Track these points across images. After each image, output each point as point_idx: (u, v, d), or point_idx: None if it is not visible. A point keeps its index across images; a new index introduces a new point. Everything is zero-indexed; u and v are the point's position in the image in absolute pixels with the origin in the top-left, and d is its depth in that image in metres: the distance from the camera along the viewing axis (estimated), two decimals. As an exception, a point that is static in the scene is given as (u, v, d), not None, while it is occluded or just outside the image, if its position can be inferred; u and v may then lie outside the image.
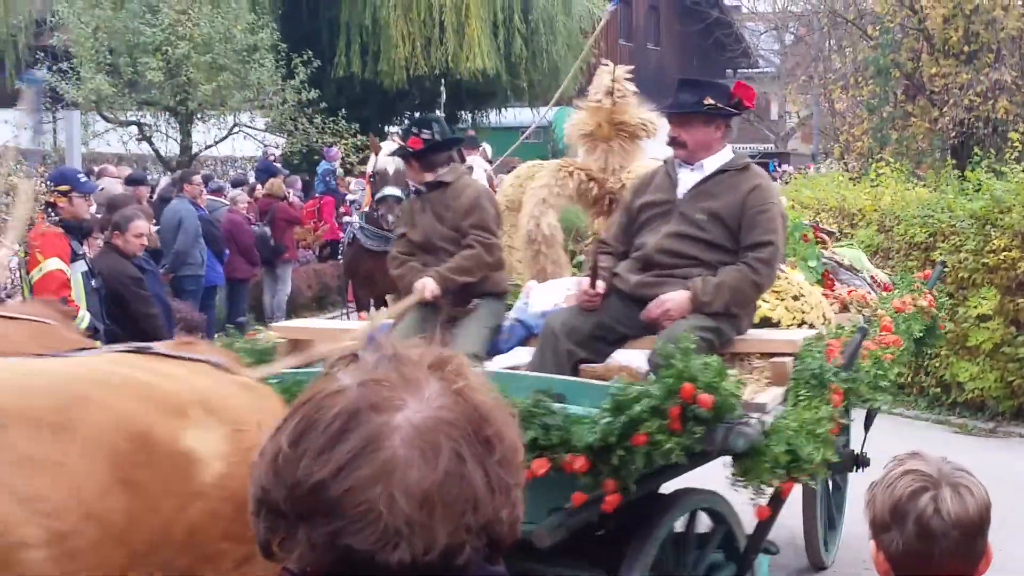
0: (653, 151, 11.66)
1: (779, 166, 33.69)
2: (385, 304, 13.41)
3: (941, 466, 2.66)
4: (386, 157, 12.18)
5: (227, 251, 15.13)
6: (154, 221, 12.19)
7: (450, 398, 1.52)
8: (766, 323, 6.08)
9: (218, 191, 16.71)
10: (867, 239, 13.02)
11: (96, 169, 17.51)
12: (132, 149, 24.10)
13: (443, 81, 25.51)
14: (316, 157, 23.40)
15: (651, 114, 6.89)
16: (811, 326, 6.11)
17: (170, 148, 24.00)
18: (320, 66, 23.81)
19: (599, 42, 34.75)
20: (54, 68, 22.81)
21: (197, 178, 15.47)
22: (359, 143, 23.23)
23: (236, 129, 23.79)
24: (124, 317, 8.94)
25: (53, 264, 8.19)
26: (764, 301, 6.10)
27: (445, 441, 1.48)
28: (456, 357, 1.60)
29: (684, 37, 44.77)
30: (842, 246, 7.66)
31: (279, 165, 22.76)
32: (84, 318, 8.08)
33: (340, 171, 22.71)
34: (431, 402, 1.50)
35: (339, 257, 17.99)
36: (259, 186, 19.24)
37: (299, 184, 21.08)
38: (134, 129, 23.78)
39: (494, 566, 1.57)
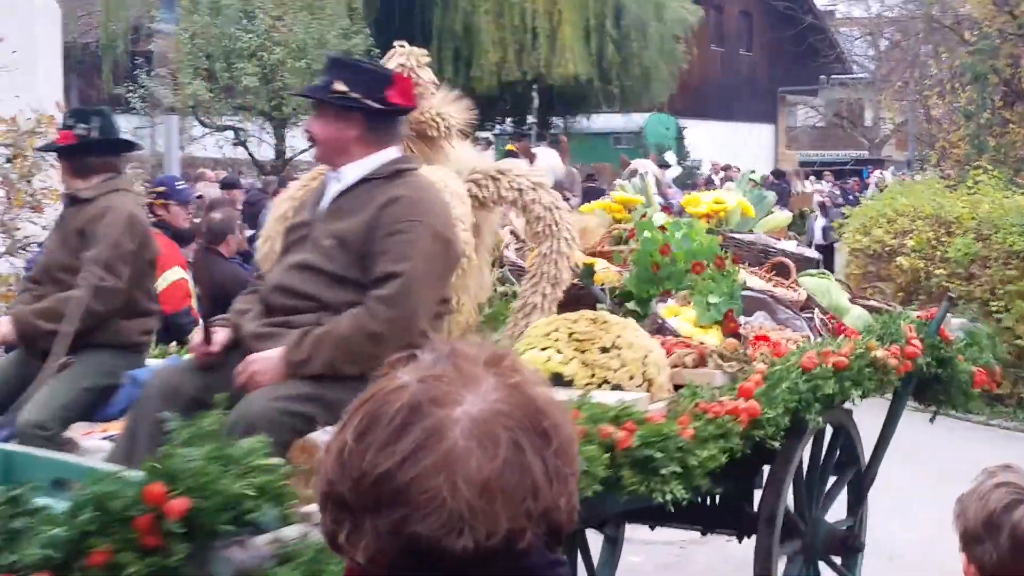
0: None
1: (872, 172, 33.27)
2: None
3: None
4: (544, 167, 11.28)
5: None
6: (245, 226, 12.31)
7: (506, 392, 1.57)
8: (558, 381, 4.73)
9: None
10: (964, 248, 12.84)
11: (194, 173, 17.81)
12: (228, 153, 24.47)
13: (535, 87, 25.57)
14: (408, 162, 23.60)
15: (453, 107, 5.34)
16: (617, 387, 4.76)
17: (264, 152, 24.32)
18: (412, 72, 23.97)
19: (690, 48, 34.70)
20: (152, 73, 23.23)
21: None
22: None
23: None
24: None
25: (176, 274, 8.02)
26: (558, 352, 4.85)
27: (503, 432, 1.53)
28: (511, 354, 1.65)
29: (776, 42, 44.40)
30: (812, 275, 6.54)
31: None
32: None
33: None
34: (488, 396, 1.56)
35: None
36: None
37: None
38: (230, 133, 24.14)
39: (553, 553, 1.61)
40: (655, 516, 6.04)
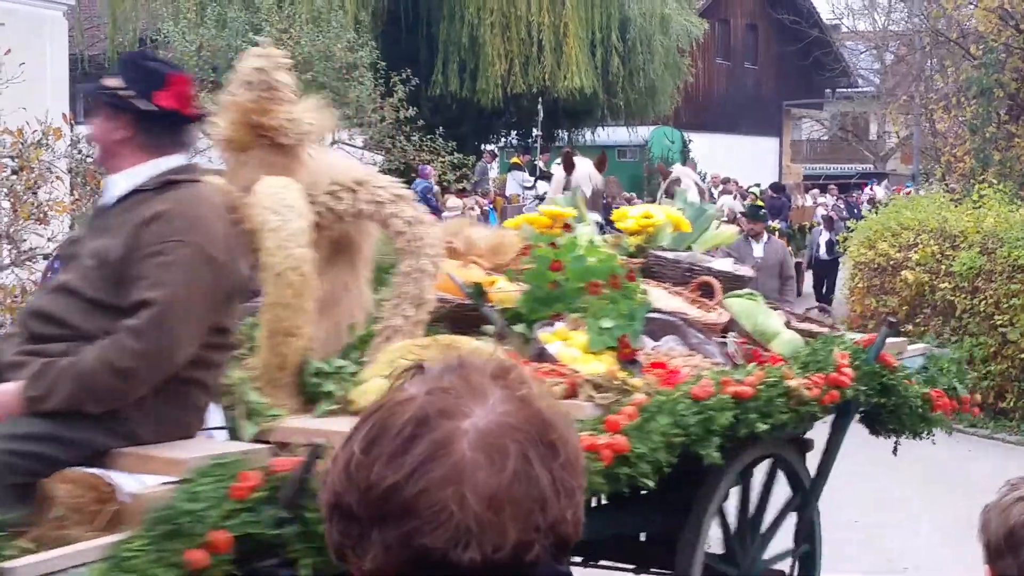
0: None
1: (875, 186, 33.24)
2: None
3: None
4: (582, 175, 10.61)
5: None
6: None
7: (514, 404, 1.57)
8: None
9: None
10: (969, 261, 12.84)
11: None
12: (233, 165, 24.50)
13: (540, 99, 25.60)
14: (413, 175, 23.61)
15: (312, 114, 4.82)
16: None
17: (270, 164, 24.37)
18: (418, 84, 24.02)
19: (696, 61, 34.72)
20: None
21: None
22: (456, 160, 23.40)
23: (335, 146, 24.07)
24: None
25: None
26: (361, 378, 4.44)
27: (511, 444, 1.53)
28: (518, 366, 1.64)
29: (782, 56, 44.43)
30: (740, 296, 6.11)
31: (376, 182, 23.00)
32: None
33: (436, 188, 22.89)
34: (496, 408, 1.55)
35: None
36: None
37: (396, 201, 21.28)
38: (235, 145, 24.20)
39: (560, 565, 1.60)
40: (587, 552, 5.85)
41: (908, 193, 23.66)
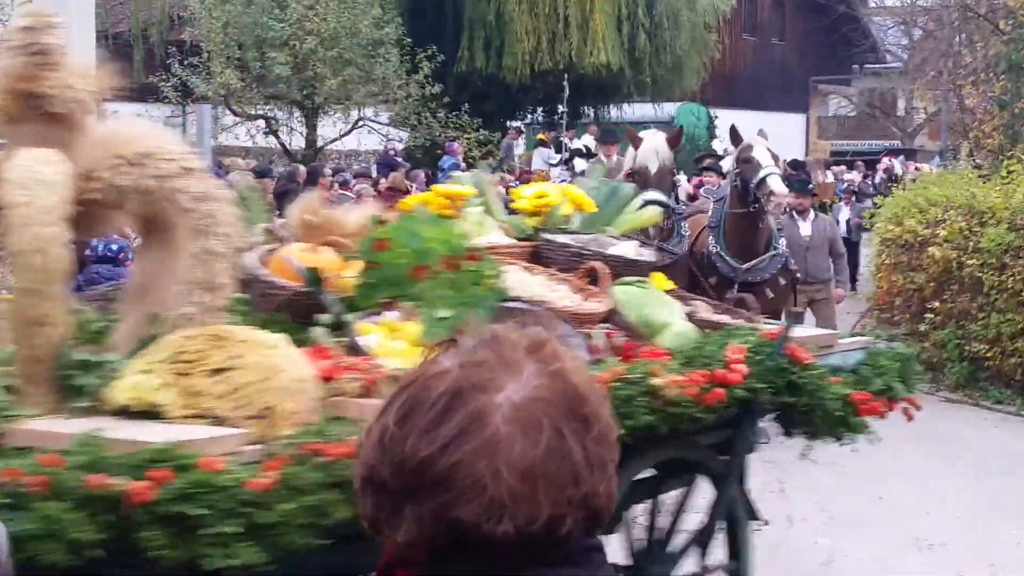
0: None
1: (892, 159, 32.94)
2: None
3: None
4: (648, 151, 10.03)
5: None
6: (277, 213, 12.31)
7: (547, 379, 1.58)
8: (151, 412, 3.81)
9: (344, 184, 16.95)
10: (997, 238, 12.76)
11: (226, 162, 17.89)
12: (259, 142, 24.55)
13: (566, 76, 25.54)
14: (439, 152, 23.60)
15: (85, 79, 4.21)
16: (220, 420, 3.78)
17: (296, 141, 24.39)
18: (444, 61, 23.98)
19: (722, 37, 34.56)
20: (185, 63, 23.32)
21: (325, 180, 15.76)
22: (481, 137, 23.38)
23: (360, 123, 24.08)
24: None
25: None
26: (156, 376, 3.93)
27: (545, 419, 1.54)
28: (551, 340, 1.65)
29: (809, 32, 44.17)
30: (630, 283, 5.53)
31: (400, 159, 23.03)
32: None
33: (463, 165, 22.88)
34: (529, 382, 1.57)
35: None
36: (382, 179, 19.48)
37: (422, 178, 21.29)
38: (261, 123, 24.21)
39: (592, 539, 1.62)
40: None
41: (919, 169, 23.47)
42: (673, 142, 10.13)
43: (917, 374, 6.11)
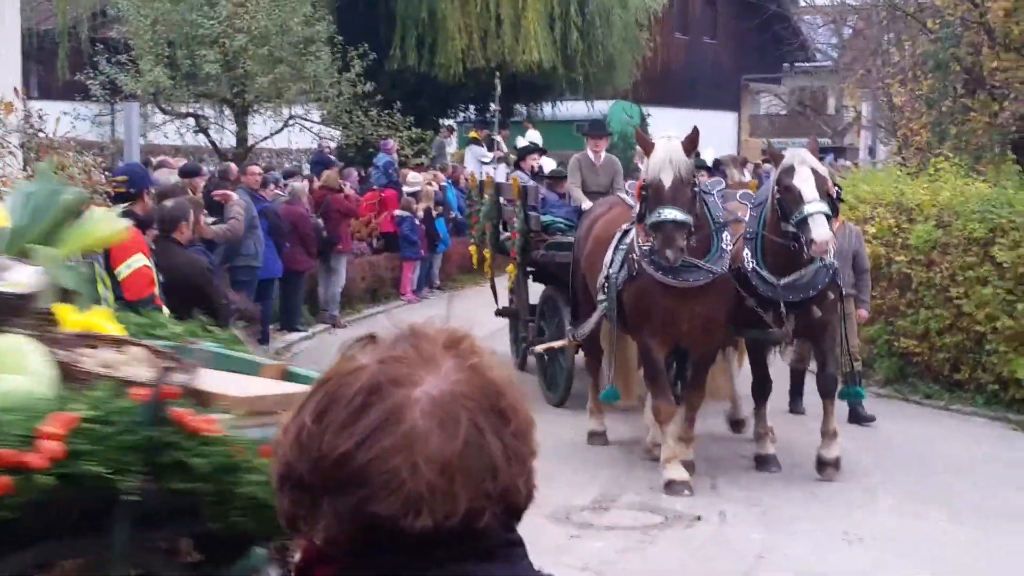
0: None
1: (835, 160, 33.30)
2: (682, 362, 10.84)
3: None
4: (660, 160, 8.88)
5: (287, 243, 15.22)
6: (205, 212, 12.19)
7: (466, 373, 1.58)
8: None
9: (276, 183, 16.83)
10: (925, 235, 12.90)
11: (155, 161, 17.68)
12: (189, 141, 24.32)
13: (498, 74, 25.50)
14: (371, 150, 23.48)
15: None
16: None
17: (226, 140, 24.18)
18: (376, 59, 23.87)
19: (654, 36, 34.67)
20: (113, 60, 23.04)
21: (255, 168, 15.67)
22: (414, 135, 23.30)
23: (292, 121, 23.92)
24: (187, 311, 8.55)
25: (139, 261, 7.86)
26: None
27: (463, 413, 1.54)
28: (469, 336, 1.65)
29: (741, 31, 44.48)
30: None
31: (333, 157, 22.90)
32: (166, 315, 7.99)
33: (397, 163, 22.80)
34: (448, 376, 1.56)
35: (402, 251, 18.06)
36: (315, 178, 19.37)
37: (355, 176, 21.18)
38: (191, 121, 23.99)
39: (510, 533, 1.62)
40: None
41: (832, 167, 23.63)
42: (689, 147, 9.04)
43: None
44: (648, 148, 9.03)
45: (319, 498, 1.53)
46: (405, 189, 20.28)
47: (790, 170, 9.01)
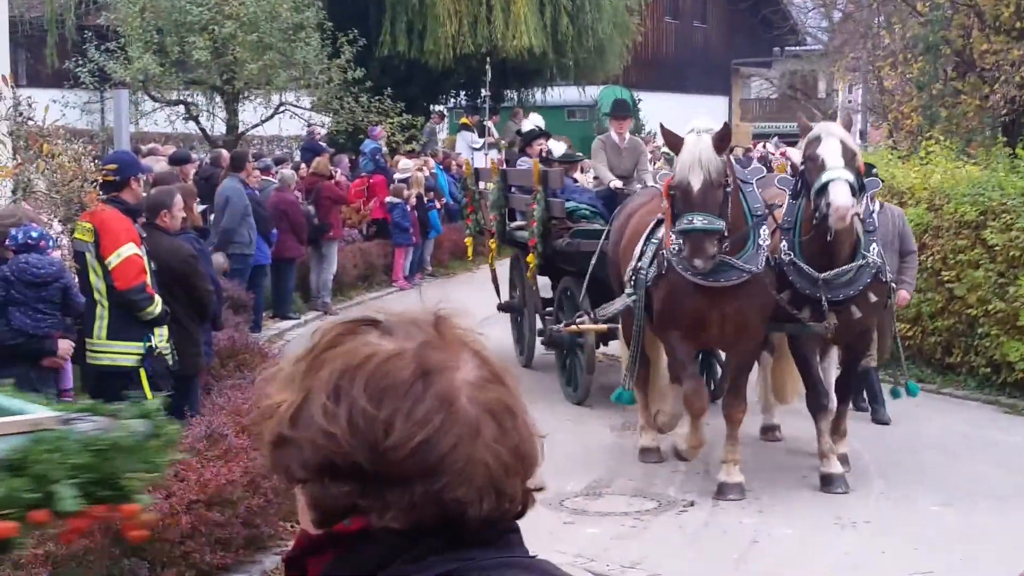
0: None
1: (767, 144, 33.17)
2: (710, 356, 10.88)
3: None
4: (690, 161, 8.24)
5: (275, 231, 15.18)
6: (198, 200, 12.14)
7: (480, 359, 1.58)
8: None
9: (266, 170, 16.79)
10: (916, 218, 12.90)
11: (145, 148, 17.62)
12: (179, 128, 24.25)
13: (489, 60, 25.46)
14: (361, 136, 23.44)
15: None
16: None
17: (216, 127, 24.12)
18: (366, 45, 23.81)
19: (644, 20, 34.63)
20: (102, 48, 22.96)
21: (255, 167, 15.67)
22: (404, 121, 23.26)
23: (282, 108, 23.87)
24: (173, 298, 8.55)
25: (130, 249, 7.91)
26: None
27: (496, 400, 1.54)
28: (454, 314, 1.63)
29: (731, 15, 44.46)
30: None
31: (324, 144, 22.84)
32: (159, 303, 8.01)
33: (385, 149, 22.73)
34: (468, 362, 1.56)
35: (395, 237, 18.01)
36: (303, 165, 19.32)
37: (346, 163, 21.13)
38: (181, 108, 23.91)
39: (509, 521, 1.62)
40: None
41: (784, 155, 23.63)
42: (720, 143, 8.36)
43: (152, 467, 3.79)
44: (676, 145, 8.42)
45: (380, 487, 1.49)
46: (396, 175, 20.23)
47: (816, 140, 8.52)
